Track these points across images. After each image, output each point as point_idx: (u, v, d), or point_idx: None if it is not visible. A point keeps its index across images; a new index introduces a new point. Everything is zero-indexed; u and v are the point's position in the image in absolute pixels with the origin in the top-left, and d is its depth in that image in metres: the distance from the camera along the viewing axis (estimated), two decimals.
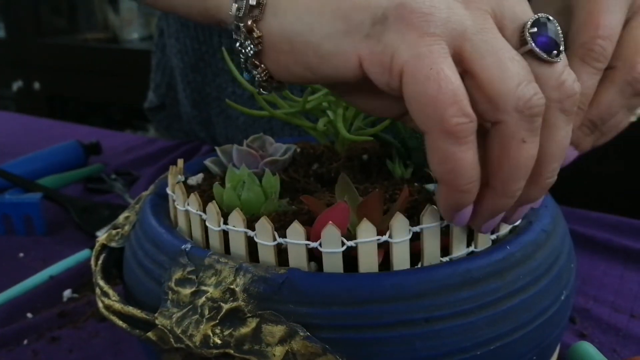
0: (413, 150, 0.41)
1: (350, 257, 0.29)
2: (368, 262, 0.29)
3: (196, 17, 0.35)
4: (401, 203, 0.33)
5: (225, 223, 0.32)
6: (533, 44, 0.27)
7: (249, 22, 0.29)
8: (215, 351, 0.28)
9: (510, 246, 0.31)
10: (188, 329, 0.29)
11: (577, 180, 1.45)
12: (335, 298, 0.28)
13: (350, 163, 0.44)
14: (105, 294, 0.34)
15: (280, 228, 0.31)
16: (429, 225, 0.30)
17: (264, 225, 0.30)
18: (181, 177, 0.40)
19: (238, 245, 0.31)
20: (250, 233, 0.31)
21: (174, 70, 0.84)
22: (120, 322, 0.32)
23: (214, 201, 0.32)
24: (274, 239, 0.30)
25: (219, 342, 0.28)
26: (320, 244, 0.29)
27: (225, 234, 0.32)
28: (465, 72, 0.26)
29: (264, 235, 0.30)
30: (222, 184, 0.38)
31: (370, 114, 0.38)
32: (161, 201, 0.39)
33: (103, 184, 0.74)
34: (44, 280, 0.52)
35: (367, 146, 0.46)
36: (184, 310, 0.30)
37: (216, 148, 0.44)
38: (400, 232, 0.29)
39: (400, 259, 0.29)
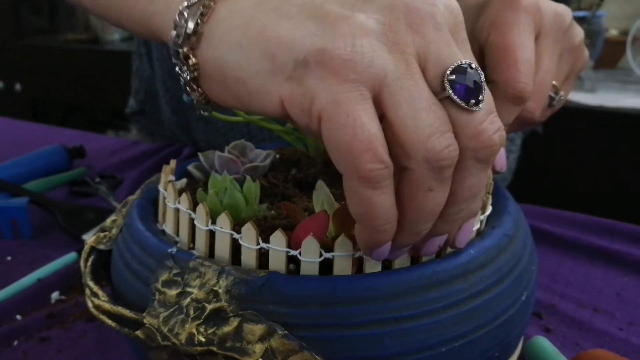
0: None
1: (326, 259, 0.31)
2: (342, 270, 0.31)
3: (142, 35, 0.37)
4: None
5: (213, 224, 0.34)
6: (451, 92, 0.27)
7: (186, 49, 0.30)
8: (199, 348, 0.30)
9: (474, 250, 0.33)
10: (174, 328, 0.31)
11: (551, 180, 1.48)
12: (312, 299, 0.30)
13: (327, 168, 0.46)
14: (95, 295, 0.35)
15: (261, 233, 0.33)
16: None
17: (250, 230, 0.32)
18: (172, 177, 0.42)
19: (223, 246, 0.33)
20: (236, 236, 0.33)
21: (154, 77, 0.86)
22: (109, 321, 0.34)
23: (204, 202, 0.34)
24: (257, 243, 0.32)
25: (203, 340, 0.30)
26: (300, 253, 0.31)
27: (211, 235, 0.34)
28: (383, 117, 0.27)
29: (249, 239, 0.32)
30: (205, 189, 0.40)
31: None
32: (148, 205, 0.41)
33: (87, 187, 0.76)
34: (32, 282, 0.53)
35: None
36: (170, 310, 0.32)
37: (199, 154, 0.46)
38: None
39: (372, 269, 0.32)
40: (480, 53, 0.43)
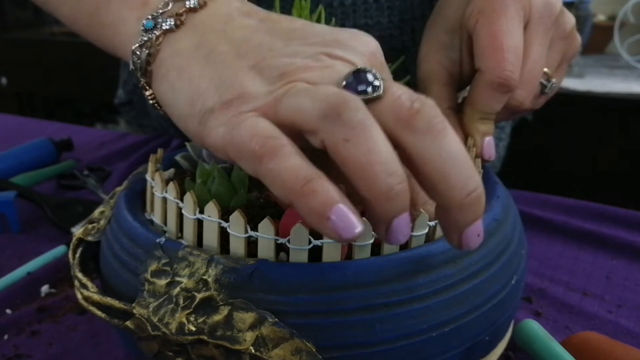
0: None
1: (315, 246, 0.31)
2: (332, 257, 0.31)
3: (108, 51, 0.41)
4: None
5: (201, 213, 0.33)
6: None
7: (143, 82, 0.35)
8: (190, 338, 0.30)
9: None
10: (164, 318, 0.31)
11: (539, 165, 1.49)
12: (301, 286, 0.30)
13: (316, 157, 0.46)
14: (84, 286, 0.35)
15: (249, 221, 0.32)
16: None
17: (238, 218, 0.32)
18: (160, 166, 0.41)
19: (211, 235, 0.33)
20: (224, 224, 0.33)
21: None
22: (99, 313, 0.34)
23: (192, 191, 0.34)
24: (246, 232, 0.32)
25: (193, 329, 0.30)
26: (289, 241, 0.31)
27: (198, 224, 0.34)
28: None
29: (237, 228, 0.32)
30: (193, 179, 0.40)
31: None
32: (135, 196, 0.41)
33: (76, 180, 0.75)
34: (22, 276, 0.53)
35: None
36: (160, 300, 0.31)
37: (186, 143, 0.46)
38: (363, 237, 0.31)
39: (362, 255, 0.32)
40: (469, 41, 0.43)
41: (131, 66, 0.34)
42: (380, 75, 0.28)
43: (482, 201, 0.28)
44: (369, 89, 0.28)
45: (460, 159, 0.27)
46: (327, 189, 0.25)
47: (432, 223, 0.33)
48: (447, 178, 0.26)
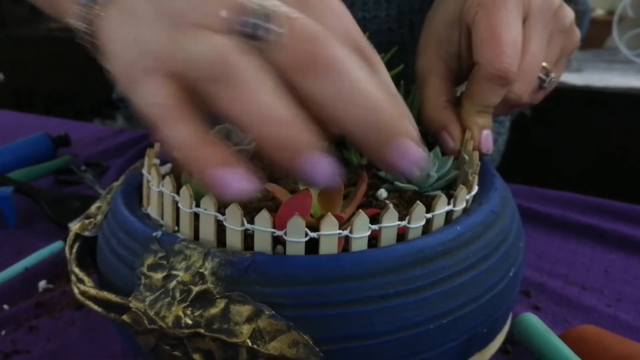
0: None
1: (312, 238, 0.31)
2: (329, 249, 0.31)
3: None
4: (361, 190, 0.36)
5: (197, 207, 0.33)
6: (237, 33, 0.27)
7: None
8: (187, 331, 0.30)
9: (460, 226, 0.33)
10: (161, 311, 0.31)
11: (538, 160, 1.49)
12: (298, 278, 0.30)
13: None
14: (81, 281, 0.35)
15: (246, 214, 0.32)
16: (388, 225, 0.32)
17: (234, 211, 0.31)
18: (157, 160, 0.41)
19: (207, 229, 0.33)
20: (220, 217, 0.32)
21: None
22: (96, 307, 0.34)
23: (188, 184, 0.34)
24: (242, 225, 0.32)
25: (190, 322, 0.30)
26: (285, 233, 0.31)
27: (195, 218, 0.34)
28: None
29: (233, 221, 0.32)
30: (190, 173, 0.40)
31: None
32: (132, 191, 0.41)
33: (73, 176, 0.75)
34: (19, 272, 0.53)
35: (326, 135, 0.47)
36: (157, 294, 0.31)
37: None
38: (360, 229, 0.31)
39: (359, 247, 0.31)
40: (468, 34, 0.43)
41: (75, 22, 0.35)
42: (270, 12, 0.27)
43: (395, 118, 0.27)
44: (260, 32, 0.27)
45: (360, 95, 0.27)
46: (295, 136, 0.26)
47: (429, 215, 0.33)
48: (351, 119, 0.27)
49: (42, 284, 0.52)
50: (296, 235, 0.30)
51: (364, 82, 0.27)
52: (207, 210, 0.33)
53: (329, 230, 0.31)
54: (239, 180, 0.26)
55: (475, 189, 0.37)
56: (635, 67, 1.55)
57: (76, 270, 0.36)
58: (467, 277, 0.32)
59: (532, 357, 0.42)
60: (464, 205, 0.35)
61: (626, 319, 0.46)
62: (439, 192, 0.37)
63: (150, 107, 0.28)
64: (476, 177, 0.37)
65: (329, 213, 0.31)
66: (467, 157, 0.39)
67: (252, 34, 0.27)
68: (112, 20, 0.32)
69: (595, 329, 0.40)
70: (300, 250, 0.31)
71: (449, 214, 0.34)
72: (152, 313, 0.31)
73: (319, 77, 0.27)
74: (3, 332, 0.46)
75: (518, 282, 0.38)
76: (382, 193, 0.38)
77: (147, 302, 0.31)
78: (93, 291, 0.34)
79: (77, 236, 0.40)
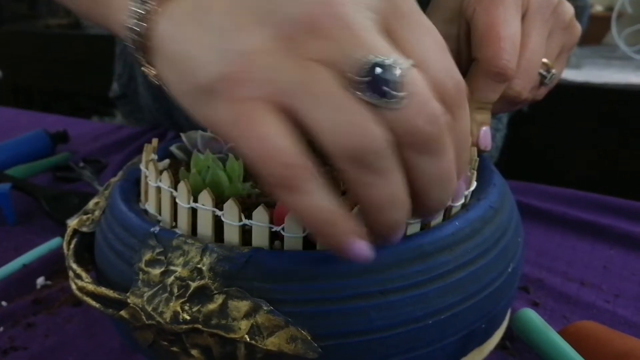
0: None
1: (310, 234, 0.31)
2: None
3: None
4: None
5: (195, 202, 0.33)
6: (361, 93, 0.25)
7: (141, 59, 0.31)
8: (184, 327, 0.30)
9: (459, 222, 0.33)
10: (158, 307, 0.31)
11: (537, 156, 1.49)
12: (296, 274, 0.29)
13: (312, 147, 0.45)
14: (78, 276, 0.35)
15: (244, 210, 0.32)
16: None
17: (232, 207, 0.31)
18: (154, 156, 0.41)
19: (205, 224, 0.33)
20: (218, 212, 0.32)
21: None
22: (93, 303, 0.34)
23: (185, 179, 0.34)
24: (240, 220, 0.31)
25: (188, 318, 0.30)
26: (283, 228, 0.31)
27: (193, 214, 0.34)
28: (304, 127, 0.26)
29: (231, 216, 0.32)
30: (188, 169, 0.40)
31: None
32: (130, 186, 0.40)
33: (71, 172, 0.75)
34: (17, 268, 0.53)
35: None
36: (155, 289, 0.31)
37: (181, 134, 0.45)
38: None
39: None
40: (468, 30, 0.43)
41: (127, 42, 0.31)
42: (401, 67, 0.26)
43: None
44: (392, 100, 0.25)
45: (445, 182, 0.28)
46: (344, 230, 0.26)
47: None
48: (440, 191, 0.28)
49: (40, 280, 0.52)
50: (294, 231, 0.30)
51: (452, 171, 0.28)
52: (205, 205, 0.33)
53: None
54: (366, 250, 0.27)
55: (474, 184, 0.37)
56: (634, 64, 1.54)
57: (74, 266, 0.36)
58: (465, 273, 0.32)
59: (531, 353, 0.42)
60: (462, 200, 0.35)
61: (625, 314, 0.46)
62: None
63: (270, 161, 0.25)
64: (474, 172, 0.37)
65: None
66: None
67: (380, 92, 0.25)
68: (178, 18, 0.29)
69: (594, 325, 0.40)
70: (298, 246, 0.31)
71: (447, 209, 0.34)
72: (149, 309, 0.31)
73: (428, 158, 0.27)
74: (1, 329, 0.46)
75: (517, 278, 0.38)
76: None
77: (145, 298, 0.31)
78: (91, 287, 0.34)
79: (75, 232, 0.40)
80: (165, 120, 0.86)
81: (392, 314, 0.30)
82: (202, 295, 0.30)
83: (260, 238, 0.31)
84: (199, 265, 0.31)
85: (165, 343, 0.31)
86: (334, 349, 0.30)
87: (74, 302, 0.49)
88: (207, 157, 0.39)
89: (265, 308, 0.29)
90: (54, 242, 0.56)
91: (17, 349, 0.43)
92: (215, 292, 0.30)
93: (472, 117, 0.42)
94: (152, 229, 0.33)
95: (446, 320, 0.32)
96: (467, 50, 0.44)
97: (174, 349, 0.31)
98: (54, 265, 0.54)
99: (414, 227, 0.32)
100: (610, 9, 1.70)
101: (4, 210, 0.62)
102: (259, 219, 0.31)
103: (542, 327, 0.38)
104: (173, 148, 0.45)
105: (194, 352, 0.31)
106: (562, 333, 0.39)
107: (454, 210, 0.34)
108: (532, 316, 0.39)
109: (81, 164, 0.76)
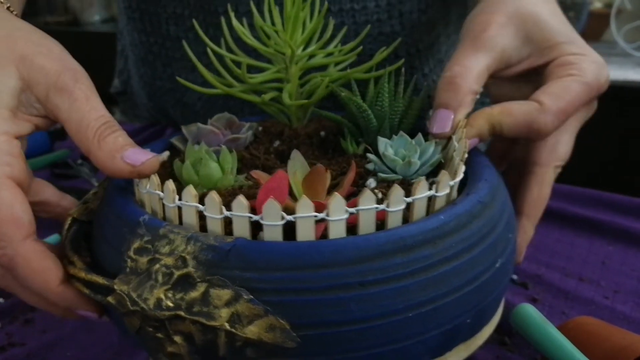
0: (364, 129, 0.43)
1: (291, 226, 0.31)
2: (306, 235, 0.31)
3: None
4: (349, 178, 0.36)
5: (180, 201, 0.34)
6: None
7: None
8: (167, 313, 0.30)
9: (444, 216, 0.33)
10: (143, 293, 0.31)
11: None
12: (277, 264, 0.30)
13: (309, 140, 0.46)
14: (72, 263, 0.36)
15: (230, 202, 0.33)
16: (366, 208, 0.32)
17: (212, 200, 0.32)
18: None
19: (190, 219, 0.33)
20: (200, 208, 0.33)
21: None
22: (84, 289, 0.35)
23: (170, 180, 0.34)
24: (221, 212, 0.32)
25: (171, 305, 0.31)
26: (262, 217, 0.31)
27: (180, 209, 0.34)
28: None
29: (212, 209, 0.32)
30: (183, 160, 0.40)
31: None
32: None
33: (69, 169, 0.75)
34: None
35: (325, 125, 0.48)
36: (141, 277, 0.32)
37: (182, 127, 0.46)
38: (337, 211, 0.31)
39: (337, 233, 0.32)
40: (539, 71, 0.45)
41: None
42: None
43: None
44: None
45: None
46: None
47: (409, 199, 0.33)
48: None
49: None
50: (272, 219, 0.31)
51: None
52: (188, 202, 0.33)
53: (305, 212, 0.31)
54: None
55: (461, 175, 0.36)
56: (633, 60, 1.53)
57: (69, 253, 0.37)
58: (449, 267, 0.32)
59: (530, 349, 0.42)
60: (447, 190, 0.35)
61: (623, 310, 0.46)
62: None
63: None
64: (462, 164, 0.36)
65: (304, 196, 0.31)
66: (456, 144, 0.39)
67: None
68: None
69: (593, 320, 0.40)
70: (278, 235, 0.31)
71: (431, 202, 0.34)
72: (135, 295, 0.31)
73: None
74: None
75: (507, 273, 0.38)
76: (371, 183, 0.38)
77: (131, 285, 0.32)
78: (82, 273, 0.35)
79: (74, 221, 0.41)
80: (162, 117, 0.86)
81: (372, 305, 0.30)
82: (185, 283, 0.31)
83: (241, 228, 0.32)
84: (183, 254, 0.31)
85: (151, 329, 0.32)
86: (312, 338, 0.30)
87: None
88: (200, 149, 0.39)
89: (245, 297, 0.30)
90: (52, 239, 0.56)
91: (15, 345, 0.44)
92: (198, 280, 0.30)
93: (479, 124, 0.42)
94: (140, 218, 0.34)
95: (428, 313, 0.32)
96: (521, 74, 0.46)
97: (159, 335, 0.32)
98: None
99: (396, 219, 0.32)
100: (609, 5, 1.68)
101: None
102: (238, 209, 0.31)
103: (541, 322, 0.38)
104: (174, 140, 0.46)
105: (177, 338, 0.31)
106: (561, 328, 0.39)
107: (439, 204, 0.35)
108: (530, 311, 0.39)
109: (79, 161, 0.77)
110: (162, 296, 0.31)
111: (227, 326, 0.30)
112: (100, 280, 0.33)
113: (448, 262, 0.32)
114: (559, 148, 0.46)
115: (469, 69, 0.42)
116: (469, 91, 0.41)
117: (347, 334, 0.30)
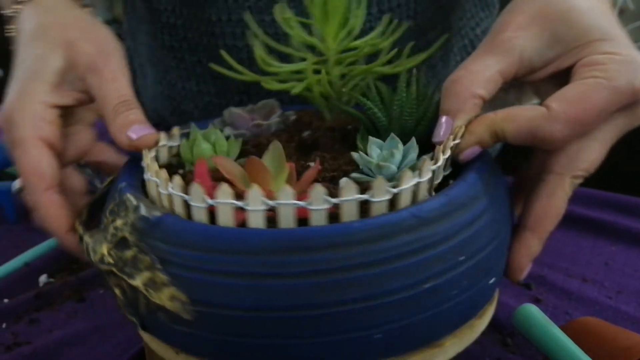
0: (380, 125, 0.44)
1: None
2: (226, 218, 0.33)
3: None
4: (310, 173, 0.37)
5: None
6: None
7: None
8: (105, 267, 0.36)
9: (406, 212, 0.33)
10: (95, 247, 0.37)
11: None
12: (187, 242, 0.33)
13: (331, 133, 0.47)
14: (80, 217, 0.43)
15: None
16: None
17: (196, 189, 0.34)
18: (153, 153, 0.42)
19: (179, 210, 0.35)
20: (185, 197, 0.34)
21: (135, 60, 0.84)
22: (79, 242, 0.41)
23: (164, 169, 0.37)
24: (203, 201, 0.34)
25: (111, 261, 0.36)
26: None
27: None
28: None
29: (197, 199, 0.34)
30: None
31: None
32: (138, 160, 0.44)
33: None
34: (19, 266, 0.54)
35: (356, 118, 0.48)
36: (102, 233, 0.37)
37: (224, 111, 0.49)
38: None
39: (256, 225, 0.33)
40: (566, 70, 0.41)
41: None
42: None
43: None
44: None
45: None
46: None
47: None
48: None
49: (43, 278, 0.54)
50: (196, 201, 0.33)
51: None
52: (174, 191, 0.35)
53: (223, 198, 0.33)
54: None
55: (441, 160, 0.36)
56: None
57: (82, 209, 0.44)
58: (397, 264, 0.32)
59: (532, 350, 0.42)
60: (429, 175, 0.34)
61: (627, 310, 0.45)
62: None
63: None
64: (442, 154, 0.36)
65: (255, 184, 0.33)
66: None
67: None
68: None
69: (597, 321, 0.40)
70: (202, 216, 0.34)
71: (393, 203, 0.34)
72: (91, 247, 0.37)
73: None
74: (4, 325, 0.48)
75: (477, 274, 0.35)
76: (354, 155, 0.39)
77: (93, 238, 0.37)
78: (77, 224, 0.41)
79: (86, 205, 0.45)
80: (169, 114, 0.80)
81: (269, 296, 0.32)
82: (123, 245, 0.35)
83: (178, 205, 0.35)
84: (129, 220, 0.36)
85: (105, 277, 0.37)
86: (206, 315, 0.33)
87: (78, 297, 0.51)
88: (194, 130, 0.43)
89: (158, 266, 0.33)
90: (54, 240, 0.55)
91: (21, 344, 0.45)
92: (131, 244, 0.35)
93: (479, 131, 0.40)
94: (119, 185, 0.39)
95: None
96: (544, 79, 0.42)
97: (110, 284, 0.37)
98: (56, 263, 0.55)
99: (318, 217, 0.33)
100: (612, 5, 1.42)
101: (4, 208, 0.63)
102: (176, 189, 0.34)
103: (543, 322, 0.38)
104: (215, 122, 0.49)
105: (116, 290, 0.36)
106: (564, 329, 0.39)
107: (403, 203, 0.34)
108: (533, 311, 0.39)
109: (82, 162, 0.79)
110: (105, 252, 0.36)
111: (142, 288, 0.34)
112: (80, 230, 0.40)
113: (394, 262, 0.32)
114: (580, 157, 0.39)
115: (474, 72, 0.40)
116: (471, 96, 0.39)
117: (241, 319, 0.32)
